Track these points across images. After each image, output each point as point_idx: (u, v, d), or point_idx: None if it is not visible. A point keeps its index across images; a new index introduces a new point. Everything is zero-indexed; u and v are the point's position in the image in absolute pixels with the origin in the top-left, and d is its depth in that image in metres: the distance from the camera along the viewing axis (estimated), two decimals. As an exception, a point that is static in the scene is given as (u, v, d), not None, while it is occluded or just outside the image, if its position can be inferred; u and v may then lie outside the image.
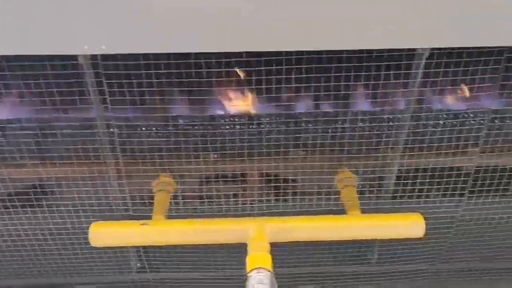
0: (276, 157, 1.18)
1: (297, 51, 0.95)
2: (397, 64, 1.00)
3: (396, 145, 1.16)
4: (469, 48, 0.95)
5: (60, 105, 1.07)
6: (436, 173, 1.18)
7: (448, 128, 1.09)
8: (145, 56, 0.94)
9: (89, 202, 1.21)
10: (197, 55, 0.96)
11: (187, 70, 0.97)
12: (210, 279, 1.45)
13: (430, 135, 1.12)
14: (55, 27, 0.87)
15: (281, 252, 1.37)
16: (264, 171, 1.25)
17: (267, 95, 1.03)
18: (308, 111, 1.17)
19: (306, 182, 1.25)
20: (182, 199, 1.25)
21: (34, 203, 1.24)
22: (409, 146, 1.14)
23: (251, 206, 1.26)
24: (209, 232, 1.14)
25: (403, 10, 0.88)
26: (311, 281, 1.55)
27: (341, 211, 1.21)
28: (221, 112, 1.19)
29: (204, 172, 1.22)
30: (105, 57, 0.93)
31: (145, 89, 0.99)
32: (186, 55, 0.95)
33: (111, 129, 1.09)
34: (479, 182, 1.20)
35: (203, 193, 1.23)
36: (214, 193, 1.24)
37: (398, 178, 1.23)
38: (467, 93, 1.11)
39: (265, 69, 0.99)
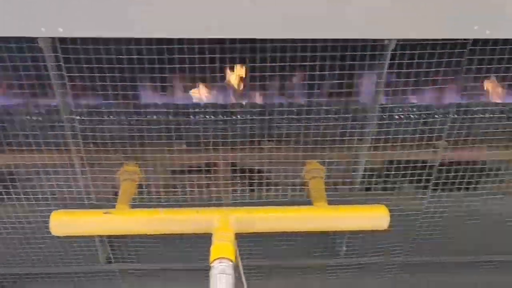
0: (244, 146, 1.17)
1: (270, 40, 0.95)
2: (362, 56, 1.00)
3: (363, 138, 1.16)
4: (433, 40, 0.96)
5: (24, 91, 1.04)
6: (401, 166, 1.18)
7: (412, 121, 1.10)
8: (105, 41, 0.92)
9: (50, 190, 1.18)
10: (162, 40, 0.94)
11: (150, 57, 0.95)
12: (176, 270, 1.44)
13: (395, 128, 1.12)
14: (13, 8, 0.84)
15: (249, 244, 1.38)
16: (232, 161, 1.24)
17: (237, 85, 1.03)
18: (277, 102, 1.16)
19: (275, 172, 1.25)
20: (148, 189, 1.23)
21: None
22: (374, 138, 1.14)
23: (218, 197, 1.26)
24: (173, 222, 1.13)
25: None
26: (280, 273, 1.55)
27: (309, 203, 1.22)
28: (189, 102, 1.17)
29: (171, 161, 1.20)
30: (63, 40, 0.91)
31: (106, 74, 0.96)
32: (150, 41, 0.93)
33: (73, 116, 1.07)
34: (444, 175, 1.21)
35: (170, 183, 1.22)
36: (181, 182, 1.22)
37: (364, 170, 1.23)
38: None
39: (231, 57, 0.97)
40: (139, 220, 1.12)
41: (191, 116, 1.15)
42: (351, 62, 0.99)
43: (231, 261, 1.03)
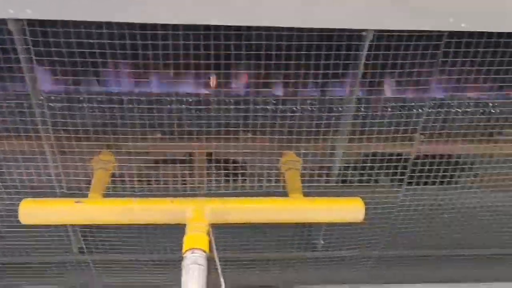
0: (220, 136, 1.16)
1: (247, 29, 0.93)
2: (339, 47, 0.99)
3: (340, 130, 1.16)
4: (409, 32, 0.95)
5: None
6: (377, 159, 1.19)
7: (387, 113, 1.10)
8: (76, 24, 0.90)
9: (19, 178, 1.16)
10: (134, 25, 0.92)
11: (121, 41, 0.93)
12: (150, 261, 1.42)
13: (371, 121, 1.12)
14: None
15: (225, 236, 1.37)
16: (207, 151, 1.23)
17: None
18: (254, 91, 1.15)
19: (251, 163, 1.24)
20: (122, 178, 1.21)
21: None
22: (350, 130, 1.14)
23: (193, 187, 1.24)
24: (147, 212, 1.11)
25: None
26: (256, 266, 1.54)
27: (285, 194, 1.21)
28: (165, 90, 1.15)
29: (147, 151, 1.19)
30: (32, 23, 0.88)
31: (77, 59, 0.94)
32: (121, 25, 0.91)
33: (45, 103, 1.04)
34: (419, 168, 1.22)
35: (144, 172, 1.20)
36: (155, 172, 1.20)
37: (340, 162, 1.23)
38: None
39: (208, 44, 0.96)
40: (111, 210, 1.11)
41: (167, 105, 1.13)
42: (326, 52, 0.98)
43: (204, 251, 1.02)
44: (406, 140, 1.13)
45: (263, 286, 1.56)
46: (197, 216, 1.10)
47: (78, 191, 1.19)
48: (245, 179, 1.24)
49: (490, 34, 0.98)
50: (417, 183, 1.25)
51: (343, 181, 1.25)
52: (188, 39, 0.94)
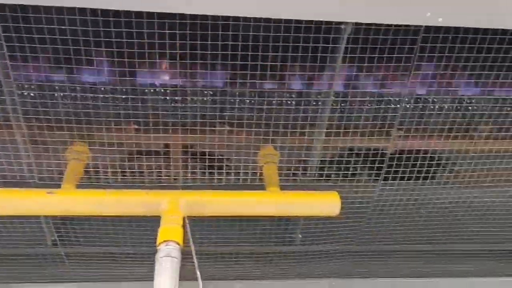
0: (196, 128, 1.15)
1: (224, 20, 0.92)
2: (317, 41, 0.98)
3: (318, 123, 1.16)
4: (387, 26, 0.95)
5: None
6: (354, 153, 1.19)
7: (365, 108, 1.10)
8: (48, 10, 0.87)
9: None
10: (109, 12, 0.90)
11: (94, 29, 0.91)
12: (124, 253, 1.40)
13: (348, 115, 1.12)
14: None
15: (203, 230, 1.36)
16: (183, 143, 1.21)
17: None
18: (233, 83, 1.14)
19: (228, 156, 1.23)
20: (96, 169, 1.19)
21: None
22: (328, 124, 1.14)
23: (169, 180, 1.23)
24: (121, 203, 1.10)
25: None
26: (234, 260, 1.54)
27: (262, 188, 1.20)
28: (140, 81, 1.14)
29: (122, 142, 1.17)
30: (2, 7, 0.85)
31: (48, 46, 0.92)
32: (95, 12, 0.89)
33: (15, 91, 1.02)
34: (395, 163, 1.22)
35: (119, 163, 1.18)
36: (130, 163, 1.19)
37: (318, 157, 1.23)
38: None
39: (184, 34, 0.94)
40: (84, 201, 1.09)
41: (143, 96, 1.12)
42: (304, 44, 0.98)
43: (178, 244, 1.01)
44: (383, 135, 1.14)
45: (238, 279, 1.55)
46: (172, 208, 1.09)
47: (51, 181, 1.17)
48: (222, 172, 1.23)
49: (467, 30, 0.98)
50: (394, 178, 1.25)
51: (320, 176, 1.25)
52: (164, 28, 0.92)
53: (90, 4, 0.84)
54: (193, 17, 0.91)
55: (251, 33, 0.94)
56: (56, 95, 1.06)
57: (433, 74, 1.06)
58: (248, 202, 1.14)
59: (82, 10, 0.87)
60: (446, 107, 1.16)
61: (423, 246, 1.52)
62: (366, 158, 1.19)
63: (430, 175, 1.26)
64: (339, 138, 1.16)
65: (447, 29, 0.97)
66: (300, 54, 0.99)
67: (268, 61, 1.00)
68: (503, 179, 1.31)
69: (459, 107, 1.16)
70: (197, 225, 1.33)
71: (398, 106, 1.11)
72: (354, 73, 1.05)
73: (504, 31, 0.99)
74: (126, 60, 0.97)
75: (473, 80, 1.13)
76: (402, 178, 1.25)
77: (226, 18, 0.92)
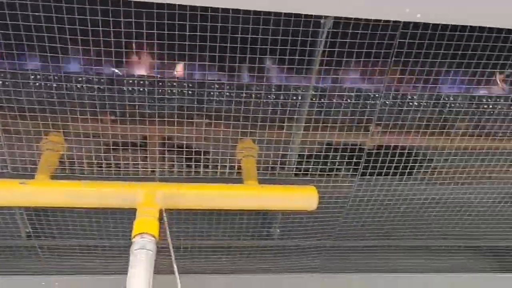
0: (173, 119, 1.13)
1: (203, 11, 0.91)
2: (297, 35, 0.98)
3: (296, 118, 1.15)
4: (366, 20, 0.95)
5: None
6: (332, 148, 1.19)
7: (343, 103, 1.10)
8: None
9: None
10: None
11: (70, 16, 0.88)
12: (101, 247, 1.39)
13: (327, 110, 1.12)
14: None
15: (181, 223, 1.35)
16: (161, 135, 1.20)
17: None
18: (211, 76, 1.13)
19: (206, 149, 1.22)
20: (72, 160, 1.17)
21: None
22: (307, 119, 1.14)
23: (146, 172, 1.22)
24: (96, 195, 1.08)
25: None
26: (211, 254, 1.53)
27: (240, 181, 1.20)
28: (117, 71, 1.12)
29: (98, 133, 1.15)
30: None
31: (22, 33, 0.89)
32: None
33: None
34: (373, 159, 1.23)
35: (94, 154, 1.16)
36: (106, 154, 1.17)
37: (296, 151, 1.23)
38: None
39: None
40: (58, 192, 1.07)
41: (120, 87, 1.10)
42: (282, 37, 0.97)
43: (154, 237, 1.00)
44: (361, 130, 1.14)
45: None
46: (148, 200, 1.07)
47: (24, 172, 1.14)
48: (200, 165, 1.22)
49: (445, 27, 0.99)
50: (372, 174, 1.26)
51: (299, 170, 1.25)
52: (141, 18, 0.91)
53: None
54: (171, 7, 0.90)
55: (229, 25, 0.93)
56: (30, 83, 1.04)
57: (411, 70, 1.07)
58: (226, 196, 1.13)
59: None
60: (424, 103, 1.16)
61: (400, 242, 1.54)
62: (344, 153, 1.20)
63: (407, 171, 1.27)
64: (318, 133, 1.16)
65: (426, 26, 0.98)
66: (279, 47, 0.98)
67: (247, 54, 0.99)
68: (479, 176, 1.33)
69: (436, 104, 1.17)
70: (174, 218, 1.32)
71: (377, 101, 1.12)
72: (333, 68, 1.04)
73: (482, 29, 1.00)
74: (102, 49, 0.95)
75: (450, 77, 1.14)
76: (379, 174, 1.26)
77: (205, 9, 0.91)
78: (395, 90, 1.14)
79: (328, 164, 1.21)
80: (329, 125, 1.14)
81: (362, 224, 1.41)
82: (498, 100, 1.23)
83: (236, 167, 1.25)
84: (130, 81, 1.11)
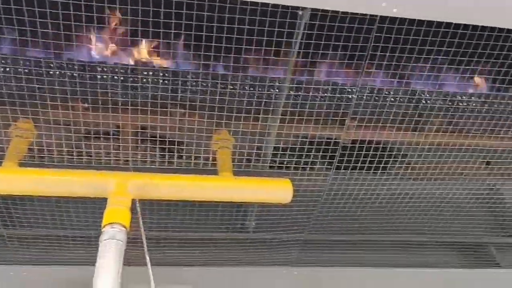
0: (147, 108, 1.11)
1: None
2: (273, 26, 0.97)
3: (272, 110, 1.15)
4: (343, 13, 0.94)
5: None
6: (307, 142, 1.19)
7: (319, 97, 1.10)
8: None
9: None
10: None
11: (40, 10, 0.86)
12: (71, 237, 1.36)
13: (303, 103, 1.11)
14: None
15: (155, 215, 1.33)
16: (134, 124, 1.18)
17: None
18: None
19: (181, 139, 1.20)
20: (41, 147, 1.14)
21: None
22: (283, 112, 1.13)
23: (119, 162, 1.20)
24: (65, 184, 1.05)
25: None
26: (184, 246, 1.52)
27: (215, 172, 1.19)
28: (90, 58, 1.09)
29: (69, 120, 1.12)
30: None
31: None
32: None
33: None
34: (348, 153, 1.23)
35: (65, 142, 1.14)
36: (77, 142, 1.14)
37: (272, 144, 1.22)
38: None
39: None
40: (26, 180, 1.04)
41: (92, 74, 1.07)
42: (259, 28, 0.96)
43: (124, 227, 0.98)
44: (336, 124, 1.14)
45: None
46: (120, 190, 1.05)
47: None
48: (174, 155, 1.21)
49: (421, 22, 0.99)
50: (346, 168, 1.26)
51: (274, 162, 1.24)
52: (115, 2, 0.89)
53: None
54: None
55: (205, 13, 0.92)
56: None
57: (387, 65, 1.07)
58: (200, 187, 1.12)
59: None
60: (399, 99, 1.17)
61: (374, 236, 1.55)
62: (319, 147, 1.19)
63: (382, 165, 1.28)
64: (293, 125, 1.16)
65: (402, 21, 0.98)
66: (255, 37, 0.97)
67: (223, 43, 0.98)
68: (452, 172, 1.34)
69: (411, 100, 1.18)
70: (147, 209, 1.31)
71: (352, 95, 1.12)
72: (310, 60, 1.04)
73: (457, 25, 1.00)
74: (73, 34, 0.92)
75: (426, 73, 1.15)
76: (354, 168, 1.26)
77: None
78: (371, 84, 1.14)
79: (303, 157, 1.21)
80: (304, 118, 1.14)
81: (337, 218, 1.41)
82: (472, 97, 1.24)
83: (211, 158, 1.24)
84: (104, 69, 1.09)
